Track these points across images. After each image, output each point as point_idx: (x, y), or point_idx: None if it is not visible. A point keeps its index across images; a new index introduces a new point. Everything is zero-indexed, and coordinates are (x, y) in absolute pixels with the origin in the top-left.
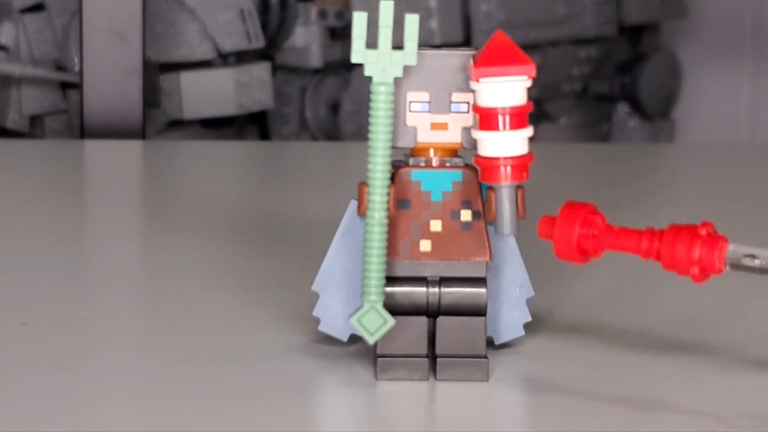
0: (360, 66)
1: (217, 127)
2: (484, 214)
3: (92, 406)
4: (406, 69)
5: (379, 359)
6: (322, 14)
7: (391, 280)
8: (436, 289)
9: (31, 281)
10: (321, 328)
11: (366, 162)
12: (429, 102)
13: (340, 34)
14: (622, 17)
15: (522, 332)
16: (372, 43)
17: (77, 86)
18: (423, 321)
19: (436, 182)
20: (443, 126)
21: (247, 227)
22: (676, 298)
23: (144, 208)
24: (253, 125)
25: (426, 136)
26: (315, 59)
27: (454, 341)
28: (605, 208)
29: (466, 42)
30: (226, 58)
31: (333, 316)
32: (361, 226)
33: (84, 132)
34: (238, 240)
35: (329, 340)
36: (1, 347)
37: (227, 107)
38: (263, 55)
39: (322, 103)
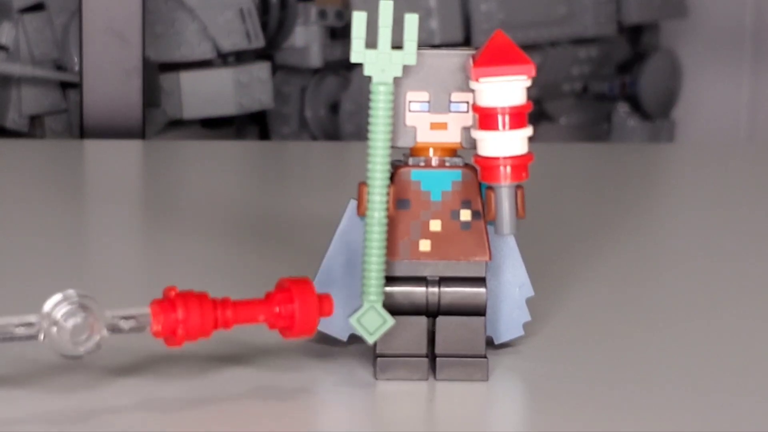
0: (360, 66)
1: (217, 127)
2: (484, 214)
3: (91, 406)
4: (406, 69)
5: (378, 359)
6: (322, 14)
7: (390, 279)
8: (435, 289)
9: (31, 281)
10: (321, 328)
11: (366, 162)
12: (428, 102)
13: (340, 33)
14: (622, 17)
15: (522, 332)
16: (372, 42)
17: (77, 86)
18: (423, 321)
19: (436, 182)
20: (443, 126)
21: (247, 227)
22: (676, 297)
23: (144, 208)
24: (253, 125)
25: (425, 135)
26: (315, 59)
27: (453, 341)
28: (605, 208)
29: (466, 42)
30: (225, 58)
31: (333, 316)
32: (360, 226)
33: (84, 132)
34: (237, 240)
35: (329, 340)
36: (2, 347)
37: (227, 107)
38: (263, 54)
39: (322, 102)
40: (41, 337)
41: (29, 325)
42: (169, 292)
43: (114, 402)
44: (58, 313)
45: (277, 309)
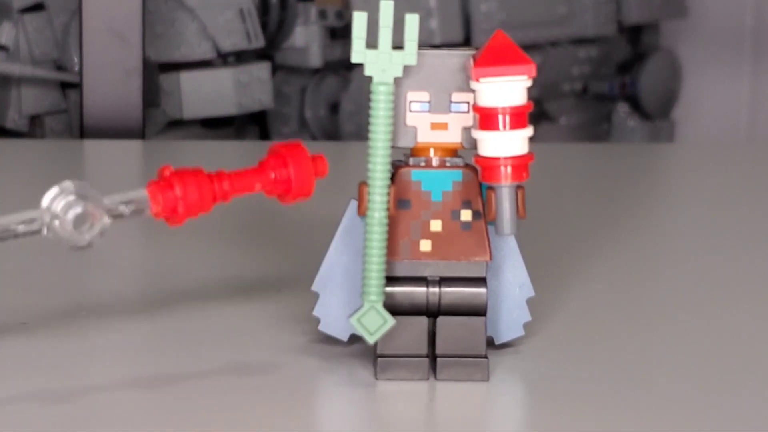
0: (360, 66)
1: (217, 126)
2: (484, 214)
3: (91, 406)
4: (406, 69)
5: (379, 359)
6: (322, 14)
7: (391, 279)
8: (436, 289)
9: (31, 281)
10: (321, 328)
11: (366, 162)
12: (429, 102)
13: (340, 33)
14: (622, 17)
15: (522, 332)
16: (372, 43)
17: (77, 86)
18: (423, 321)
19: (436, 182)
20: (443, 126)
21: (246, 227)
22: (676, 297)
23: None
24: (253, 125)
25: (426, 135)
26: (315, 59)
27: (454, 341)
28: (605, 208)
29: (466, 42)
30: (225, 58)
31: (333, 316)
32: (361, 226)
33: (84, 132)
34: (237, 239)
35: (329, 340)
36: (1, 347)
37: (227, 107)
38: (263, 54)
39: (322, 103)
40: (44, 231)
41: (30, 221)
42: (163, 171)
43: (113, 400)
44: (58, 206)
45: (272, 175)
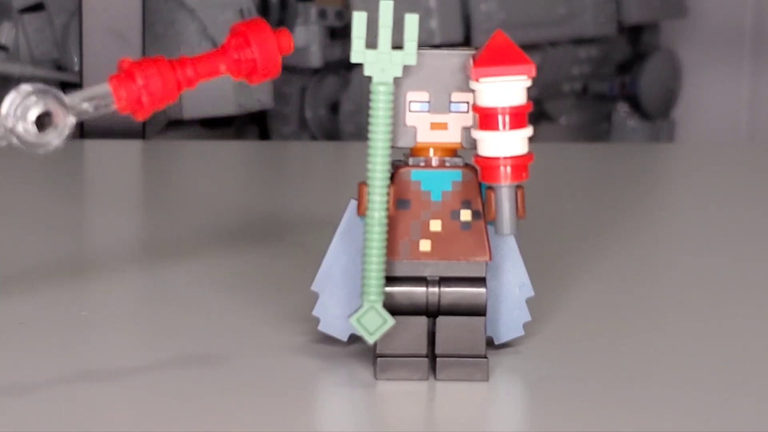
0: (360, 66)
1: (217, 127)
2: (484, 214)
3: (91, 406)
4: (406, 69)
5: (378, 359)
6: (322, 14)
7: (390, 279)
8: (435, 289)
9: (31, 281)
10: (321, 328)
11: (366, 162)
12: (429, 102)
13: (340, 33)
14: (622, 17)
15: (522, 332)
16: (372, 42)
17: (77, 86)
18: (423, 321)
19: (436, 182)
20: (443, 126)
21: (246, 227)
22: (676, 297)
23: (144, 208)
24: (253, 125)
25: (426, 135)
26: (315, 59)
27: (453, 341)
28: (605, 207)
29: (466, 42)
30: None
31: (333, 316)
32: (360, 226)
33: (84, 132)
34: (237, 240)
35: (329, 340)
36: (1, 346)
37: (227, 107)
38: None
39: (322, 103)
40: (13, 140)
41: None
42: (122, 64)
43: (113, 400)
44: (18, 110)
45: (236, 56)
